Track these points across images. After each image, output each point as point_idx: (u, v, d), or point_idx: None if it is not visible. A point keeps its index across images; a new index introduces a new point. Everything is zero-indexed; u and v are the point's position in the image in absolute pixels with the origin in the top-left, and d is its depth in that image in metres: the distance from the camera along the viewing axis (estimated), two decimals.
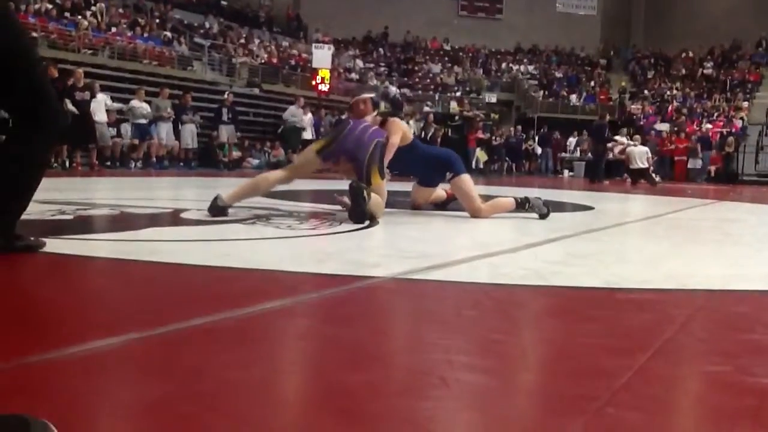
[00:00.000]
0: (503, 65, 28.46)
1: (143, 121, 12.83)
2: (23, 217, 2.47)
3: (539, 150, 21.52)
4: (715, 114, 22.85)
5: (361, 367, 1.37)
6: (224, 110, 14.66)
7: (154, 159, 13.16)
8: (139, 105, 12.81)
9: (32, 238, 2.49)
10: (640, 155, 14.07)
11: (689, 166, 19.01)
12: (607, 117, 16.90)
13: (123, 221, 3.82)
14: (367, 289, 2.15)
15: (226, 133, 14.64)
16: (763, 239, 4.44)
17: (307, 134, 15.85)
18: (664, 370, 1.44)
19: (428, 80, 26.84)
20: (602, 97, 25.90)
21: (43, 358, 1.32)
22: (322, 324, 1.80)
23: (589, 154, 17.77)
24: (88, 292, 2.09)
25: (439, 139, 16.28)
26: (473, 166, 18.10)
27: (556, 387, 1.31)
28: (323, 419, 1.10)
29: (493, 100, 25.12)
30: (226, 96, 15.02)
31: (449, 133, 17.56)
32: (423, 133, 16.47)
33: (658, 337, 1.68)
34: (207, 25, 22.01)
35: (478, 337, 1.70)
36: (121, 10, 18.91)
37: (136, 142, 12.87)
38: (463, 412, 1.19)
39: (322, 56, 17.56)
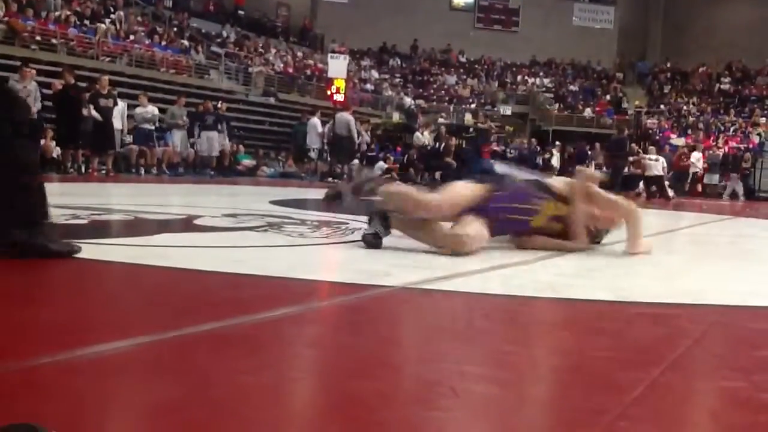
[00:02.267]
0: (518, 78, 28.45)
1: (148, 126, 12.79)
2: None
3: (556, 163, 21.40)
4: (732, 129, 22.70)
5: (371, 376, 1.37)
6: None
7: (163, 166, 13.16)
8: (143, 110, 12.81)
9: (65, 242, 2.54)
10: (655, 166, 14.02)
11: (705, 181, 18.86)
12: (626, 131, 16.85)
13: (137, 226, 3.84)
14: (378, 298, 2.15)
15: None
16: None
17: (315, 143, 15.84)
18: (676, 385, 1.43)
19: (443, 92, 26.87)
20: (609, 107, 25.79)
21: (53, 360, 1.32)
22: (333, 332, 1.80)
23: (604, 168, 17.69)
24: (100, 296, 2.10)
25: (452, 151, 16.26)
26: None
27: (567, 400, 1.30)
28: (333, 427, 1.09)
29: (508, 112, 25.10)
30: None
31: (463, 145, 17.54)
32: (436, 144, 16.47)
33: (671, 351, 1.67)
34: (224, 34, 22.20)
35: (489, 348, 1.69)
36: (139, 18, 19.12)
37: (139, 148, 12.77)
38: (473, 422, 1.18)
39: (337, 66, 17.65)
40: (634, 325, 2.00)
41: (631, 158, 15.22)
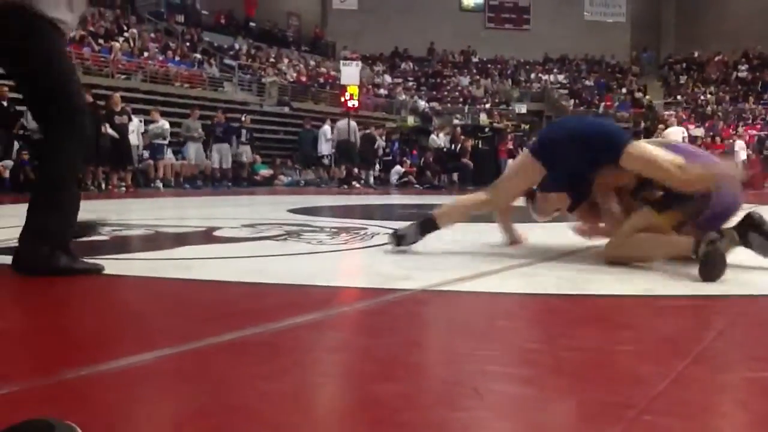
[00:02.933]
0: (532, 75, 28.35)
1: (161, 141, 12.94)
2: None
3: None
4: (752, 118, 22.43)
5: (393, 378, 1.37)
6: (243, 131, 14.80)
7: (181, 179, 13.28)
8: (154, 125, 12.94)
9: (89, 261, 2.58)
10: (675, 136, 13.73)
11: None
12: (642, 124, 16.70)
13: (157, 240, 3.87)
14: (399, 302, 2.15)
15: (243, 152, 14.77)
16: None
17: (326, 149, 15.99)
18: (701, 377, 1.41)
19: (457, 93, 26.84)
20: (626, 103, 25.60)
21: (79, 374, 1.34)
22: (354, 336, 1.80)
23: None
24: (123, 310, 2.13)
25: (468, 151, 16.25)
26: None
27: (592, 395, 1.29)
28: (356, 430, 1.10)
29: (523, 110, 24.99)
30: (243, 118, 15.15)
31: (480, 145, 17.50)
32: (452, 145, 16.46)
33: (695, 343, 1.65)
34: (236, 46, 22.35)
35: (511, 346, 1.69)
36: (152, 35, 19.31)
37: (151, 162, 12.89)
38: (496, 422, 1.18)
39: (350, 73, 17.68)
40: (657, 318, 1.98)
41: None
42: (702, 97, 25.18)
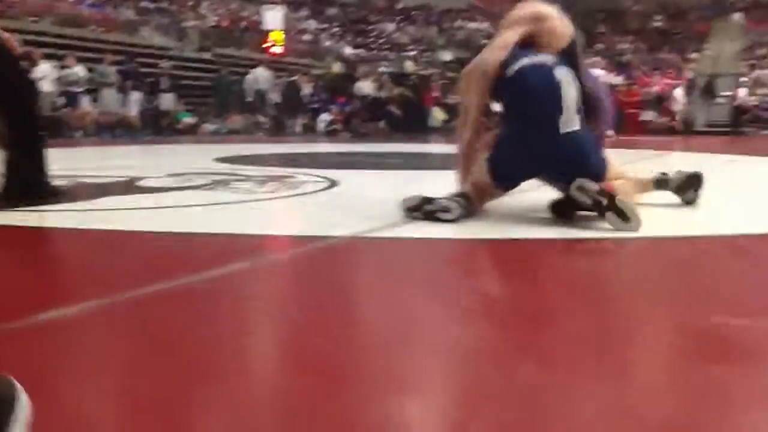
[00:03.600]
0: (457, 23, 28.32)
1: (76, 88, 12.38)
2: None
3: (497, 107, 21.56)
4: (668, 67, 23.18)
5: (324, 324, 1.40)
6: (162, 79, 14.29)
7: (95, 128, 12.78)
8: (68, 71, 12.33)
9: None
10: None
11: (641, 118, 19.31)
12: None
13: (78, 191, 3.75)
14: (328, 249, 2.17)
15: (166, 101, 14.32)
16: (711, 187, 4.57)
17: (275, 97, 15.75)
18: (618, 314, 1.50)
19: (383, 40, 26.59)
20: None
21: (10, 327, 1.31)
22: (286, 283, 1.82)
23: None
24: (47, 263, 2.07)
25: (395, 99, 16.24)
26: (431, 124, 18.10)
27: (516, 333, 1.36)
28: (292, 373, 1.12)
29: (448, 57, 25.02)
30: (162, 64, 14.63)
31: (405, 93, 17.49)
32: (379, 93, 16.39)
33: (611, 282, 1.75)
34: None
35: (435, 289, 1.74)
36: None
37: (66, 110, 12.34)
38: (432, 365, 1.23)
39: (273, 17, 17.22)
40: (576, 260, 2.08)
41: None
42: (619, 46, 25.80)
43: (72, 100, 12.33)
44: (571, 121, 2.58)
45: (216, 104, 15.82)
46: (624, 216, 2.34)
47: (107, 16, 17.19)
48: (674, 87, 19.29)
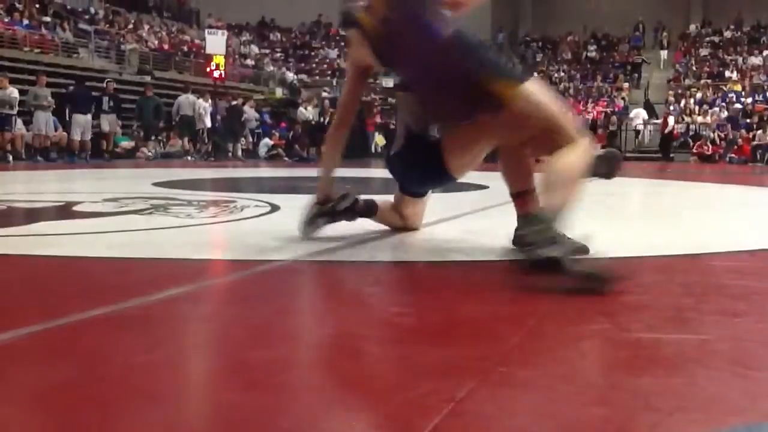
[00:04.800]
0: None
1: (8, 110, 12.05)
2: None
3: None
4: (599, 95, 24.01)
5: (267, 345, 1.41)
6: (104, 99, 14.00)
7: (32, 151, 12.42)
8: (2, 93, 12.00)
9: None
10: None
11: None
12: None
13: (10, 216, 3.65)
14: (270, 272, 2.18)
15: (107, 122, 14.03)
16: (640, 211, 4.76)
17: (208, 121, 15.60)
18: (550, 331, 1.56)
19: (325, 65, 26.74)
20: None
21: None
22: (227, 306, 1.82)
23: None
24: None
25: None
26: (372, 150, 18.25)
27: (451, 350, 1.40)
28: (231, 392, 1.13)
29: (390, 84, 25.32)
30: (105, 84, 14.40)
31: None
32: (321, 118, 16.45)
33: (545, 302, 1.81)
34: (92, 10, 21.03)
35: (379, 311, 1.77)
36: None
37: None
38: (366, 381, 1.25)
39: (215, 42, 17.12)
40: (516, 281, 2.14)
41: None
42: (556, 75, 26.60)
43: (4, 121, 11.97)
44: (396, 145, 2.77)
45: (143, 126, 15.32)
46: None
47: (44, 37, 16.80)
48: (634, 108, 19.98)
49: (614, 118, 20.59)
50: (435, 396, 1.14)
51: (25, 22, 16.79)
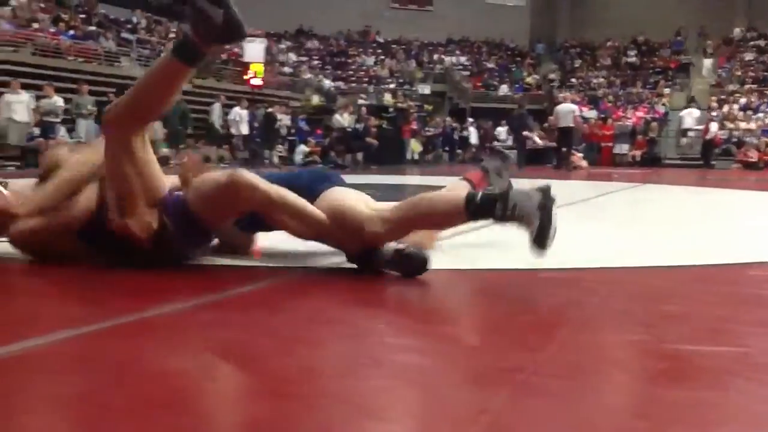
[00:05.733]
0: (435, 56, 28.71)
1: (53, 118, 12.35)
2: None
3: (474, 139, 21.79)
4: (639, 101, 23.66)
5: (292, 353, 1.41)
6: None
7: None
8: (46, 102, 12.30)
9: None
10: (566, 114, 14.19)
11: (615, 151, 19.65)
12: (526, 106, 17.34)
13: None
14: (306, 279, 2.18)
15: (151, 129, 14.21)
16: (679, 219, 4.67)
17: (245, 129, 15.76)
18: (585, 341, 1.53)
19: (362, 72, 26.86)
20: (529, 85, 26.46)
21: None
22: (254, 314, 1.82)
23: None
24: (21, 293, 2.06)
25: (373, 131, 16.38)
26: (408, 156, 18.26)
27: (484, 360, 1.38)
28: (257, 402, 1.13)
29: (427, 91, 25.32)
30: None
31: (384, 125, 17.65)
32: (357, 125, 16.52)
33: (579, 311, 1.78)
34: (134, 20, 21.45)
35: (407, 319, 1.76)
36: (42, 5, 18.23)
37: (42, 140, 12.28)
38: (393, 390, 1.24)
39: (254, 50, 17.35)
40: (542, 289, 2.11)
41: (525, 132, 15.57)
42: (594, 81, 26.30)
43: (48, 130, 12.28)
44: None
45: (169, 133, 15.38)
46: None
47: (87, 47, 17.19)
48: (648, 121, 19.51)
49: (654, 125, 20.24)
50: (467, 406, 1.13)
51: (71, 32, 17.20)
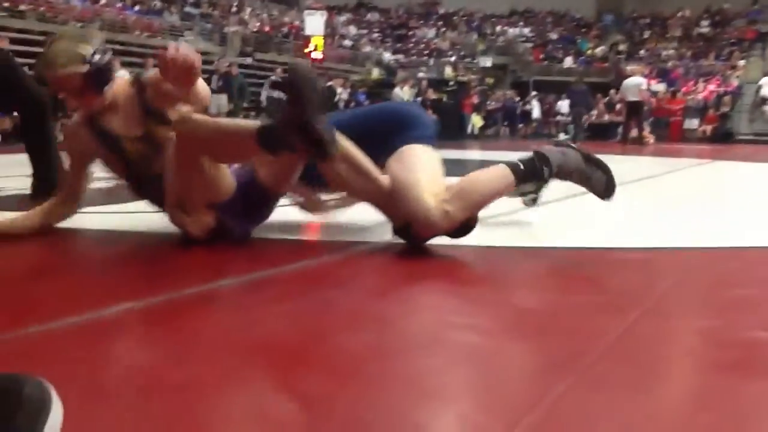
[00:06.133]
0: (497, 28, 28.19)
1: None
2: None
3: (537, 113, 21.36)
4: (711, 74, 22.73)
5: (359, 329, 1.40)
6: (214, 78, 14.35)
7: None
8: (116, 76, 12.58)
9: None
10: (632, 88, 13.77)
11: (685, 126, 18.97)
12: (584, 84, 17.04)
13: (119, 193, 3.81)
14: (365, 255, 2.17)
15: (215, 103, 14.39)
16: (754, 198, 4.47)
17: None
18: (654, 327, 1.47)
19: (422, 45, 26.61)
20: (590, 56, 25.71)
21: (45, 328, 1.34)
22: (322, 288, 1.82)
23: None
24: (84, 264, 2.12)
25: (428, 105, 16.24)
26: (469, 131, 18.06)
27: (547, 344, 1.34)
28: (320, 378, 1.12)
29: (488, 64, 24.92)
30: (215, 64, 14.70)
31: (444, 99, 17.47)
32: (417, 98, 16.40)
33: (649, 294, 1.71)
34: None
35: (471, 298, 1.73)
36: None
37: None
38: (455, 371, 1.22)
39: (314, 23, 17.38)
40: (613, 271, 2.04)
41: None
42: (664, 53, 25.37)
43: None
44: None
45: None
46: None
47: (151, 22, 17.53)
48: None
49: (727, 99, 19.41)
50: (527, 392, 1.10)
51: (136, 8, 17.57)
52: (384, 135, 2.20)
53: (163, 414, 0.97)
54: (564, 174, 2.11)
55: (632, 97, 13.64)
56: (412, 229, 2.11)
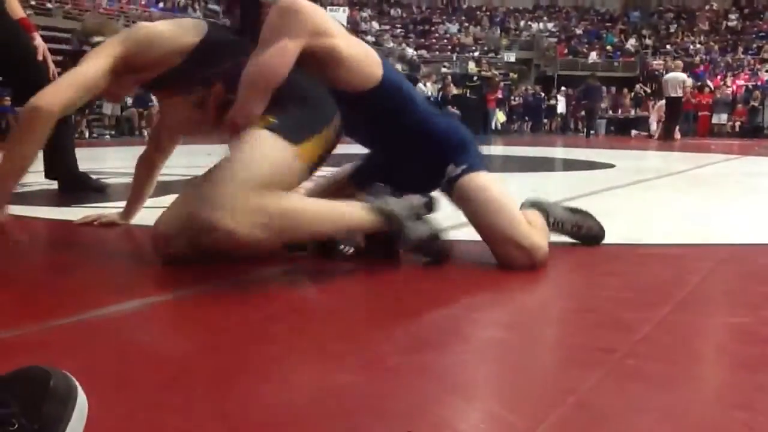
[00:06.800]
0: (521, 23, 27.98)
1: None
2: None
3: (562, 108, 21.12)
4: (740, 68, 22.36)
5: (379, 325, 1.39)
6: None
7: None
8: None
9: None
10: (674, 84, 13.50)
11: (713, 121, 18.68)
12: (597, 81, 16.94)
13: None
14: None
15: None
16: None
17: None
18: (684, 322, 1.44)
19: (445, 41, 26.50)
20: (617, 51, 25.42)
21: (73, 320, 1.35)
22: (344, 283, 1.81)
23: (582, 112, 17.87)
24: (114, 258, 2.13)
25: (449, 99, 16.17)
26: (492, 126, 17.95)
27: (576, 339, 1.32)
28: (339, 372, 1.12)
29: (512, 59, 24.75)
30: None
31: (467, 94, 17.37)
32: (440, 93, 16.35)
33: (679, 290, 1.68)
34: None
35: (497, 293, 1.71)
36: None
37: (134, 110, 12.79)
38: (481, 365, 1.20)
39: (336, 19, 17.40)
40: (642, 266, 2.02)
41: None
42: (692, 47, 25.00)
43: (140, 99, 12.72)
44: None
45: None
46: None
47: (175, 17, 17.67)
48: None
49: (757, 93, 19.07)
50: (554, 386, 1.08)
51: (161, 5, 17.72)
52: (445, 148, 2.00)
53: (188, 402, 0.97)
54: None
55: (673, 93, 13.41)
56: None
